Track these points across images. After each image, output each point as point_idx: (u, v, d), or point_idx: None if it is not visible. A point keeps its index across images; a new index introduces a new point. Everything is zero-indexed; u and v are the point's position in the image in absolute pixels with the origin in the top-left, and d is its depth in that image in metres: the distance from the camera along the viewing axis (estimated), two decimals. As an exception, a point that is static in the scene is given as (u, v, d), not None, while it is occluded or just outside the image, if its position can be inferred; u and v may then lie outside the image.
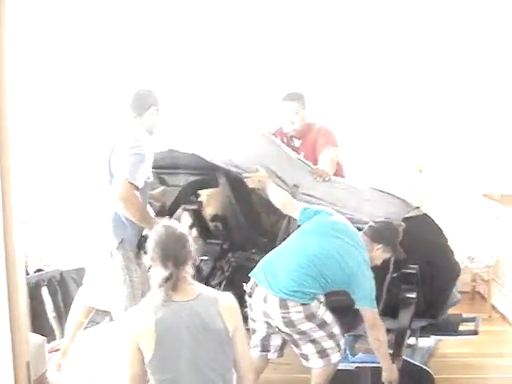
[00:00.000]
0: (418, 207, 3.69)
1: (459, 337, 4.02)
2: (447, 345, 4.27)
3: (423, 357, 4.01)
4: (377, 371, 3.30)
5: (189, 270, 2.55)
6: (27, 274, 4.23)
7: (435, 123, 5.32)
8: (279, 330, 3.18)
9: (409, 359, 3.57)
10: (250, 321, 3.25)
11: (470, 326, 4.03)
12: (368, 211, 3.55)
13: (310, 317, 3.10)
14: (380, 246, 3.24)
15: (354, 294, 3.11)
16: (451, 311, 4.29)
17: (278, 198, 3.53)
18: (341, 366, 3.67)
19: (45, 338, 3.32)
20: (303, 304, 3.08)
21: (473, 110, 5.41)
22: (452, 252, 3.69)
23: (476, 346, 4.23)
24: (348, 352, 4.02)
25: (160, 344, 2.38)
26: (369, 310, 3.10)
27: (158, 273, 2.52)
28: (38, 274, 4.44)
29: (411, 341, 3.92)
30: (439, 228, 3.55)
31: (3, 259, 1.74)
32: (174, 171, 3.80)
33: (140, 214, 3.32)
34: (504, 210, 5.02)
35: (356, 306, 3.13)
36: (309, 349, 3.19)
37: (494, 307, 5.09)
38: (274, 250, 3.30)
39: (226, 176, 3.75)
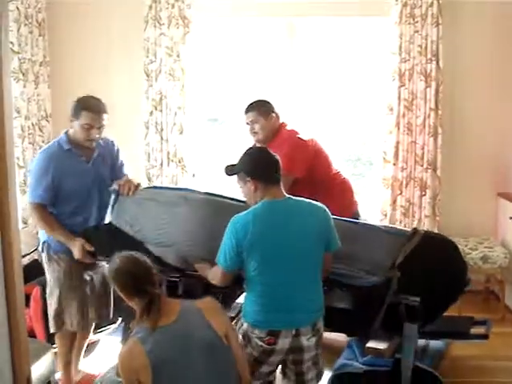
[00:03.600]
0: (415, 230, 3.42)
1: (470, 340, 3.99)
2: (458, 347, 4.23)
3: (433, 360, 3.99)
4: (385, 375, 3.30)
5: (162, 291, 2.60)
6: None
7: (448, 121, 5.27)
8: (296, 362, 3.00)
9: (418, 363, 3.54)
10: (261, 364, 2.97)
11: (481, 329, 4.00)
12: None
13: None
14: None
15: None
16: (464, 312, 4.28)
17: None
18: (349, 369, 3.70)
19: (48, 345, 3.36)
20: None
21: (484, 107, 5.37)
22: (463, 271, 3.46)
23: (488, 349, 4.18)
24: (357, 352, 4.02)
25: (158, 374, 2.37)
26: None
27: (137, 303, 2.52)
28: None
29: (421, 342, 3.91)
30: (445, 246, 3.43)
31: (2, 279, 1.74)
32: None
33: (45, 227, 3.64)
34: (519, 210, 4.97)
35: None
36: (312, 372, 3.08)
37: (507, 308, 5.05)
38: (268, 290, 2.92)
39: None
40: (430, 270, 3.25)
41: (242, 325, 3.01)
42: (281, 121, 4.22)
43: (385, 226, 3.44)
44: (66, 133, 3.73)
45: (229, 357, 2.60)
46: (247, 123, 4.18)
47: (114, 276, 2.60)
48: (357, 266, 3.25)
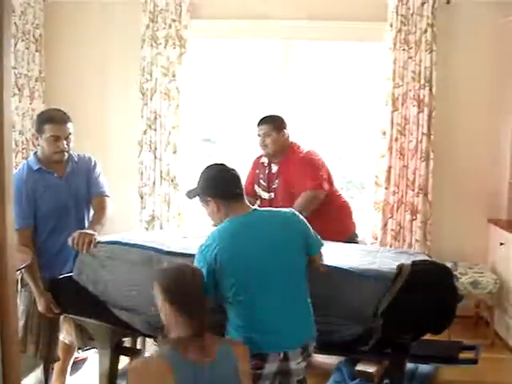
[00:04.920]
0: (400, 268, 3.08)
1: (459, 365, 3.98)
2: (447, 372, 4.23)
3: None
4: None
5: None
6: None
7: (440, 146, 5.31)
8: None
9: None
10: None
11: (470, 354, 4.00)
12: None
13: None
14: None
15: None
16: (453, 337, 4.28)
17: None
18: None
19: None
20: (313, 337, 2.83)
21: (477, 133, 5.43)
22: (454, 298, 3.21)
23: (477, 374, 4.17)
24: (346, 375, 4.01)
25: None
26: None
27: (179, 326, 2.37)
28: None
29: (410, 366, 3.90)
30: (437, 273, 3.19)
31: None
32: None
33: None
34: (509, 237, 4.99)
35: None
36: None
37: (496, 334, 5.05)
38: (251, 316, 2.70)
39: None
40: (420, 303, 3.05)
41: None
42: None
43: (367, 270, 3.14)
44: (35, 153, 3.66)
45: None
46: (259, 135, 4.26)
47: (167, 289, 2.40)
48: (334, 314, 3.01)
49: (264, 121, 4.27)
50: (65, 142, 3.54)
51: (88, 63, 5.58)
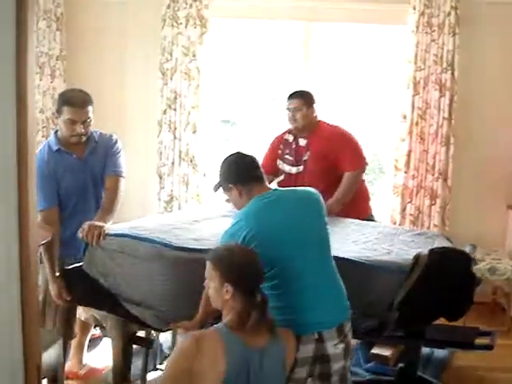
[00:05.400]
0: (417, 258, 3.07)
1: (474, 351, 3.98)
2: (462, 357, 4.23)
3: (437, 369, 4.00)
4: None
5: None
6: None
7: (461, 131, 5.27)
8: (323, 376, 2.66)
9: (421, 374, 3.54)
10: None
11: (486, 340, 4.00)
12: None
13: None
14: None
15: None
16: (470, 323, 4.27)
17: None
18: (353, 378, 3.70)
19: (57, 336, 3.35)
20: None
21: (498, 118, 5.37)
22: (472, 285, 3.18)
23: (492, 360, 4.15)
24: (361, 358, 4.03)
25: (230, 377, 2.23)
26: None
27: (239, 304, 2.36)
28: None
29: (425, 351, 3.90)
30: (456, 260, 3.14)
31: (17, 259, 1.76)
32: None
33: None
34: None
35: None
36: None
37: (513, 320, 5.05)
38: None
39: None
40: (437, 292, 3.02)
41: None
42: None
43: (383, 262, 3.10)
44: (56, 133, 3.64)
45: None
46: (288, 109, 4.32)
47: (231, 267, 2.41)
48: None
49: (295, 95, 4.34)
50: (82, 126, 3.50)
51: (108, 42, 5.58)
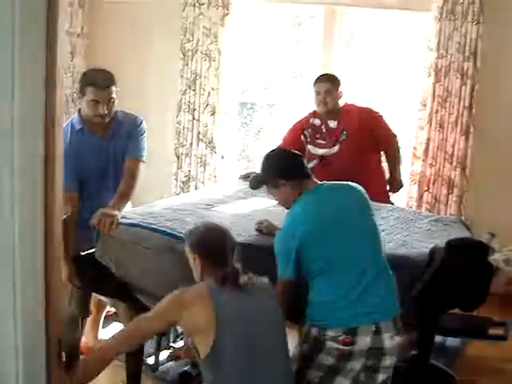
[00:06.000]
0: (433, 250, 3.06)
1: (488, 340, 3.99)
2: (475, 347, 4.23)
3: (449, 357, 4.01)
4: (401, 372, 3.28)
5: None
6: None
7: (481, 121, 5.22)
8: (369, 372, 2.62)
9: (433, 362, 3.55)
10: (336, 374, 2.59)
11: (499, 331, 4.00)
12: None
13: None
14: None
15: None
16: (482, 313, 4.27)
17: None
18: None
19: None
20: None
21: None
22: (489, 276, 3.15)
23: (505, 351, 4.14)
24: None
25: (222, 325, 2.32)
26: None
27: (210, 273, 2.47)
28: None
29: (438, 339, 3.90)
30: (473, 251, 3.14)
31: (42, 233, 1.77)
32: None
33: None
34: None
35: None
36: None
37: (527, 312, 5.03)
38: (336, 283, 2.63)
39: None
40: (453, 285, 3.01)
41: (309, 332, 2.65)
42: None
43: (397, 257, 3.01)
44: (79, 111, 3.60)
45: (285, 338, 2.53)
46: (317, 92, 4.39)
47: (199, 243, 2.54)
48: None
49: (324, 78, 4.43)
50: (105, 107, 3.46)
51: (130, 21, 5.59)
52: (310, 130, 4.52)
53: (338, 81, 4.44)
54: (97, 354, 2.69)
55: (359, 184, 2.91)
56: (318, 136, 4.50)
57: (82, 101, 3.51)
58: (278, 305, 2.52)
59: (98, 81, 3.42)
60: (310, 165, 4.36)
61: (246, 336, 2.36)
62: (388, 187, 4.66)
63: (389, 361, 2.61)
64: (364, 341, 2.53)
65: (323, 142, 4.47)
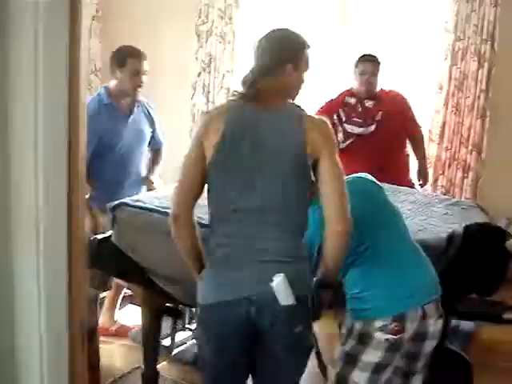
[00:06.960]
0: (452, 236, 3.02)
1: (502, 325, 3.98)
2: (489, 331, 4.23)
3: (463, 341, 4.01)
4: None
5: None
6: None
7: (498, 105, 5.19)
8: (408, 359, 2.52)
9: (449, 346, 3.55)
10: (383, 369, 2.46)
11: (514, 315, 4.00)
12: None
13: None
14: None
15: None
16: (496, 298, 4.26)
17: None
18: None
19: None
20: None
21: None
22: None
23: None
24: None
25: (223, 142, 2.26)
26: None
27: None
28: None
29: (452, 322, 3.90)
30: (492, 237, 3.09)
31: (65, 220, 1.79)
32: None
33: None
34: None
35: None
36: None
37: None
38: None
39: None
40: (471, 270, 2.97)
41: (353, 327, 2.48)
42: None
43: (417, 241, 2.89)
44: (106, 87, 3.76)
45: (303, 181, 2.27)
46: (364, 72, 4.39)
47: None
48: None
49: (370, 59, 4.43)
50: (142, 78, 3.70)
51: (144, 3, 5.57)
52: (345, 109, 4.51)
53: (380, 62, 4.48)
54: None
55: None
56: (353, 115, 4.49)
57: (120, 73, 3.65)
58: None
59: (137, 52, 3.68)
60: (347, 143, 4.41)
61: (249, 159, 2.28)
62: (419, 179, 4.71)
63: (429, 345, 2.51)
64: (412, 327, 2.41)
65: (359, 120, 4.47)
